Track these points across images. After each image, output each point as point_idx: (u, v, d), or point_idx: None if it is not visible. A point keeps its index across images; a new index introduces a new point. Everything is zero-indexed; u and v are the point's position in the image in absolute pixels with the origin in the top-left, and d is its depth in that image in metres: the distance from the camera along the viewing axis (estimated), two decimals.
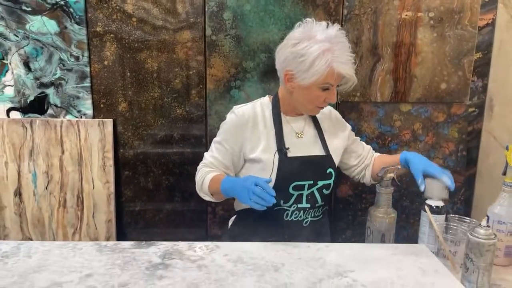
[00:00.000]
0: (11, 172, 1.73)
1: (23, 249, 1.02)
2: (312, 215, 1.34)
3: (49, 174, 1.73)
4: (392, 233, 1.07)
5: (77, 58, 1.68)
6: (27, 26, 1.66)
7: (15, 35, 1.66)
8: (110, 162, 1.73)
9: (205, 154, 1.40)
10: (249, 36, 1.68)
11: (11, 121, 1.71)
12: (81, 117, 1.73)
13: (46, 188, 1.74)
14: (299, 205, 1.31)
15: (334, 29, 1.22)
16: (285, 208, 1.30)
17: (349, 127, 1.47)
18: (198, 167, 1.39)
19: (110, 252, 1.02)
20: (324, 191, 1.33)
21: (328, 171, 1.32)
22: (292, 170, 1.28)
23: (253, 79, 1.72)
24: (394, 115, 1.74)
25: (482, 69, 1.82)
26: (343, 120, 1.47)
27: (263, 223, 1.31)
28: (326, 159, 1.34)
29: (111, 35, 1.67)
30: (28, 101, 1.72)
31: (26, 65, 1.69)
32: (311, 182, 1.30)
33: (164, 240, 1.86)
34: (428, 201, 1.09)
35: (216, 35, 1.68)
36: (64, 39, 1.67)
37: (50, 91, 1.71)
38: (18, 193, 1.74)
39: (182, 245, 1.06)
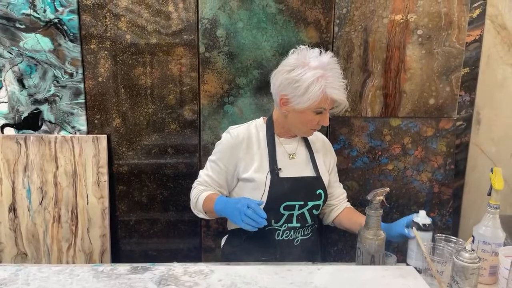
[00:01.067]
0: (5, 188, 1.74)
1: (21, 275, 1.03)
2: (302, 234, 1.38)
3: (44, 189, 1.75)
4: (382, 254, 1.10)
5: (71, 75, 1.70)
6: (21, 44, 1.66)
7: (9, 52, 1.67)
8: (105, 177, 1.75)
9: (200, 172, 1.43)
10: (242, 53, 1.71)
11: (5, 137, 1.71)
12: (75, 133, 1.75)
13: (41, 204, 1.75)
14: (290, 225, 1.35)
15: (327, 56, 1.27)
16: (276, 227, 1.34)
17: (335, 160, 1.52)
18: (193, 185, 1.42)
19: (106, 278, 1.03)
20: (314, 211, 1.38)
21: (318, 192, 1.36)
22: (283, 190, 1.32)
23: (246, 95, 1.74)
24: (384, 129, 1.77)
25: (470, 83, 1.87)
26: (333, 151, 1.53)
27: (255, 242, 1.35)
28: (316, 180, 1.38)
29: (105, 52, 1.69)
30: (22, 117, 1.73)
31: (20, 82, 1.70)
32: (302, 202, 1.34)
33: (159, 252, 1.88)
34: (415, 219, 1.13)
35: (209, 52, 1.70)
36: (58, 56, 1.68)
37: (44, 107, 1.72)
38: (13, 208, 1.75)
39: (177, 269, 1.08)
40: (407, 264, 1.15)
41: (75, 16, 1.65)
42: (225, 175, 1.38)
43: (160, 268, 1.10)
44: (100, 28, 1.67)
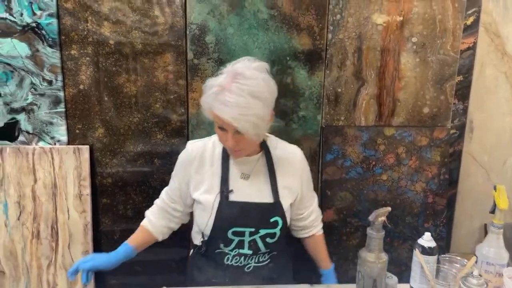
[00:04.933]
0: None
1: None
2: (256, 260, 1.28)
3: (21, 204, 1.64)
4: (384, 278, 1.05)
5: (50, 82, 1.59)
6: None
7: None
8: (87, 191, 1.65)
9: (163, 191, 1.39)
10: (232, 59, 1.59)
11: None
12: (54, 144, 1.64)
13: (18, 219, 1.65)
14: (241, 251, 1.25)
15: (244, 66, 1.13)
16: (226, 251, 1.26)
17: (307, 180, 1.35)
18: (155, 201, 1.40)
19: None
20: (268, 239, 1.25)
21: (272, 220, 1.24)
22: (232, 215, 1.22)
23: None
24: (378, 139, 1.73)
25: (463, 91, 1.84)
26: (306, 170, 1.35)
27: (207, 263, 1.30)
28: (272, 207, 1.24)
29: (87, 58, 1.59)
30: None
31: None
32: (252, 229, 1.23)
33: (144, 267, 1.80)
34: (420, 241, 1.08)
35: (198, 58, 1.63)
36: (36, 62, 1.57)
37: (21, 117, 1.61)
38: None
39: None
40: (411, 287, 1.11)
41: (54, 20, 1.55)
42: (178, 192, 1.31)
43: None
44: (81, 33, 1.57)
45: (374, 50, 1.67)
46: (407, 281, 1.15)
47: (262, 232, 1.23)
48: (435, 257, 1.08)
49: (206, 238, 1.28)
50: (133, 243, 1.33)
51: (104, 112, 1.64)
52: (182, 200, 1.32)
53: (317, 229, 1.43)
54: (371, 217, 1.01)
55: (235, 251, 1.25)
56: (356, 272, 1.08)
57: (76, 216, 1.66)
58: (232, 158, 1.25)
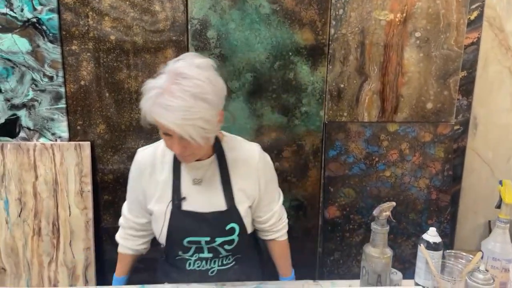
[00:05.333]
0: None
1: None
2: (220, 263, 1.22)
3: (22, 201, 1.63)
4: (389, 273, 1.04)
5: (51, 78, 1.58)
6: None
7: None
8: (88, 187, 1.64)
9: (123, 205, 1.30)
10: (234, 55, 1.62)
11: None
12: (55, 140, 1.63)
13: (19, 216, 1.64)
14: (201, 255, 1.19)
15: (185, 64, 1.01)
16: (186, 257, 1.20)
17: (267, 182, 1.22)
18: (120, 220, 1.31)
19: None
20: (226, 246, 1.18)
21: (228, 227, 1.16)
22: (184, 225, 1.16)
23: (239, 99, 1.66)
24: (381, 135, 1.72)
25: (467, 87, 1.82)
26: (267, 171, 1.22)
27: (170, 268, 1.25)
28: (227, 214, 1.16)
29: (88, 54, 1.58)
30: None
31: None
32: (208, 238, 1.16)
33: (146, 263, 1.79)
34: (425, 237, 1.07)
35: (199, 54, 1.61)
36: (37, 58, 1.56)
37: (22, 113, 1.60)
38: None
39: None
40: (416, 283, 1.09)
41: (55, 15, 1.54)
42: (139, 205, 1.22)
43: None
44: (82, 28, 1.56)
45: (377, 45, 1.65)
46: (411, 278, 1.14)
47: (219, 240, 1.16)
48: (440, 252, 1.06)
49: (163, 246, 1.23)
50: (121, 273, 1.31)
51: (105, 108, 1.63)
52: (145, 211, 1.22)
53: (278, 235, 1.31)
54: (375, 212, 1.00)
55: (195, 256, 1.19)
56: (361, 268, 1.06)
57: (78, 212, 1.65)
58: (183, 163, 1.15)
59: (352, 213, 1.75)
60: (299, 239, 1.79)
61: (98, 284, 1.72)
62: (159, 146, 1.19)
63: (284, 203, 1.31)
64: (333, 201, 1.74)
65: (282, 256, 1.35)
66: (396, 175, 1.74)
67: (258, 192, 1.20)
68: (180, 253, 1.20)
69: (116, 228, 1.75)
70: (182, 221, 1.15)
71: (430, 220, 1.77)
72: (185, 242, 1.17)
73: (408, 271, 1.33)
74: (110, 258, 1.76)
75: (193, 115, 0.96)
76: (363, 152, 1.72)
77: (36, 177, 1.62)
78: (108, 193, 1.71)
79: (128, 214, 1.27)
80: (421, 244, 1.05)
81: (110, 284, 1.78)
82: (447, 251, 1.11)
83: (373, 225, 1.02)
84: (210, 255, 1.20)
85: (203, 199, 1.16)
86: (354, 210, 1.75)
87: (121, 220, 1.31)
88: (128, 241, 1.29)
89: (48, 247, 1.66)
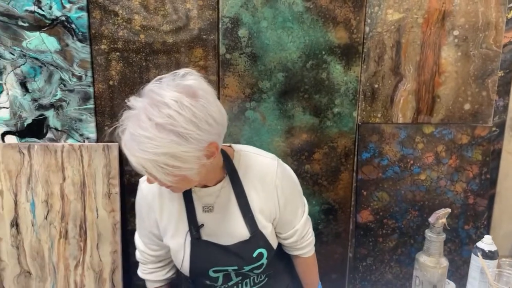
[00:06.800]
0: (7, 202, 1.59)
1: None
2: (251, 284, 1.15)
3: (49, 203, 1.60)
4: (444, 283, 0.98)
5: (79, 78, 1.55)
6: (24, 43, 1.51)
7: (10, 53, 1.52)
8: (116, 189, 1.61)
9: (135, 238, 1.24)
10: (265, 54, 1.58)
11: (6, 146, 1.56)
12: (83, 141, 1.60)
13: (46, 218, 1.61)
14: (230, 283, 1.12)
15: (165, 85, 0.88)
16: (215, 285, 1.13)
17: (286, 198, 1.11)
18: (137, 256, 1.25)
19: None
20: (256, 271, 1.10)
21: (256, 254, 1.06)
22: (208, 256, 1.07)
23: (269, 99, 1.62)
24: (416, 137, 1.66)
25: (504, 88, 1.76)
26: (285, 186, 1.10)
27: None
28: (252, 241, 1.06)
29: (117, 53, 1.55)
30: (25, 124, 1.58)
31: (23, 85, 1.55)
32: (235, 267, 1.08)
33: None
34: (479, 245, 1.02)
35: (230, 53, 1.57)
36: (66, 57, 1.53)
37: (50, 113, 1.57)
38: (15, 224, 1.60)
39: None
40: None
41: (84, 14, 1.50)
42: (154, 237, 1.14)
43: None
44: (111, 27, 1.53)
45: (413, 43, 1.60)
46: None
47: (247, 268, 1.08)
48: (496, 261, 1.01)
49: (188, 276, 1.15)
50: None
51: None
52: (162, 243, 1.15)
53: (302, 252, 1.22)
54: (431, 219, 0.95)
55: (224, 285, 1.13)
56: (413, 277, 1.01)
57: (105, 215, 1.61)
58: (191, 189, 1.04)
59: (386, 218, 1.70)
60: (328, 244, 1.74)
61: None
62: None
63: (314, 207, 1.25)
64: (366, 205, 1.69)
65: (306, 272, 1.29)
66: (432, 179, 1.68)
67: (278, 211, 1.11)
68: (207, 282, 1.13)
69: None
70: (205, 252, 1.07)
71: (467, 226, 1.71)
72: (210, 272, 1.09)
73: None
74: (136, 262, 1.72)
75: (154, 149, 0.82)
76: (397, 155, 1.67)
77: (64, 179, 1.59)
78: (134, 195, 1.66)
79: (144, 248, 1.20)
80: (479, 254, 0.99)
81: (136, 287, 1.75)
82: (503, 259, 1.05)
83: (428, 233, 0.97)
84: (239, 278, 1.13)
85: (221, 229, 1.07)
86: (387, 214, 1.69)
87: (138, 256, 1.24)
88: (153, 275, 1.24)
89: (75, 250, 1.63)
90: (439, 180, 1.68)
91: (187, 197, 1.05)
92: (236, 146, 1.13)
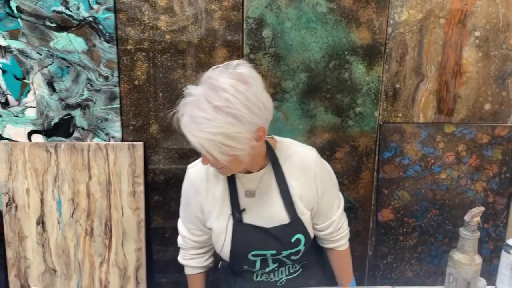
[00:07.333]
0: (33, 200, 1.61)
1: None
2: (287, 273, 1.20)
3: (75, 201, 1.62)
4: (477, 281, 1.00)
5: (106, 78, 1.57)
6: (51, 44, 1.53)
7: (38, 53, 1.54)
8: (141, 188, 1.63)
9: (178, 224, 1.27)
10: (289, 54, 1.60)
11: (33, 145, 1.59)
12: (109, 140, 1.62)
13: (72, 216, 1.63)
14: (267, 269, 1.17)
15: (220, 72, 0.97)
16: (253, 270, 1.18)
17: (324, 189, 1.16)
18: (178, 242, 1.29)
19: None
20: (293, 257, 1.15)
21: (294, 239, 1.12)
22: (248, 240, 1.12)
23: (292, 99, 1.64)
24: (437, 136, 1.68)
25: None
26: (325, 175, 1.17)
27: (236, 278, 1.23)
28: (291, 226, 1.11)
29: (143, 54, 1.57)
30: (52, 123, 1.60)
31: (50, 85, 1.57)
32: (274, 252, 1.13)
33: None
34: (510, 242, 1.03)
35: (254, 53, 1.59)
36: (93, 57, 1.55)
37: (77, 112, 1.59)
38: (41, 221, 1.63)
39: None
40: None
41: (111, 15, 1.52)
42: (198, 222, 1.19)
43: None
44: (137, 28, 1.55)
45: (435, 44, 1.62)
46: None
47: (285, 253, 1.13)
48: None
49: (226, 261, 1.20)
50: None
51: (158, 108, 1.62)
52: (205, 228, 1.19)
53: (337, 244, 1.26)
54: (466, 217, 0.97)
55: (262, 270, 1.18)
56: (446, 274, 1.03)
57: (130, 213, 1.64)
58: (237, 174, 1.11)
59: (406, 216, 1.72)
60: (349, 242, 1.76)
61: (148, 285, 1.71)
62: None
63: None
64: (387, 203, 1.70)
65: (340, 266, 1.31)
66: (452, 178, 1.70)
67: (316, 199, 1.15)
68: (245, 267, 1.17)
69: (165, 229, 1.74)
70: (246, 235, 1.12)
71: (486, 224, 1.73)
72: (250, 255, 1.14)
73: None
74: (160, 259, 1.75)
75: (212, 129, 0.91)
76: (418, 154, 1.68)
77: (90, 177, 1.61)
78: (158, 193, 1.69)
79: (187, 233, 1.24)
80: (510, 251, 1.01)
81: (160, 285, 1.78)
82: None
83: (463, 231, 0.99)
84: (275, 265, 1.17)
85: (262, 213, 1.12)
86: (408, 213, 1.71)
87: (180, 241, 1.27)
88: (193, 261, 1.27)
89: (100, 247, 1.65)
90: (459, 179, 1.70)
91: (231, 182, 1.12)
92: (278, 138, 1.19)
